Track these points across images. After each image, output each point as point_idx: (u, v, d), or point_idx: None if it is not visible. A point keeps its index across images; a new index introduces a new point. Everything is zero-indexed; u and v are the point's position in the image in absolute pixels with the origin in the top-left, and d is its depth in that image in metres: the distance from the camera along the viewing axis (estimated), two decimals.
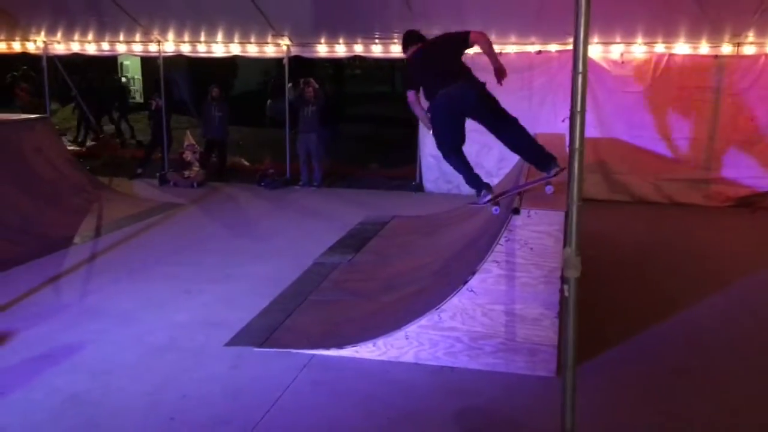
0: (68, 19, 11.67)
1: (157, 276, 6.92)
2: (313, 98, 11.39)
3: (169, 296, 6.31)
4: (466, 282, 4.74)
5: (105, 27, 11.66)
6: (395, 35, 10.75)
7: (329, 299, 6.19)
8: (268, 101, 17.42)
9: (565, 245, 3.18)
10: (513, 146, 5.55)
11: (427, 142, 11.00)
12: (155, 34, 11.73)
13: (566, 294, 3.14)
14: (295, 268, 7.02)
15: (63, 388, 4.54)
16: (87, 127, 15.33)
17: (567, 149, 3.23)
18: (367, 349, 4.95)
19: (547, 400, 4.19)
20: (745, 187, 9.92)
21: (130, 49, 12.36)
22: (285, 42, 11.39)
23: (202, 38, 11.67)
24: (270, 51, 11.68)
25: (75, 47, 12.25)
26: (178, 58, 12.32)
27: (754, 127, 9.80)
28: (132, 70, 25.11)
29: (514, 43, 10.38)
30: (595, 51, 9.99)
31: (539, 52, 10.37)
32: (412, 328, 4.88)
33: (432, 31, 10.31)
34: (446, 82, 5.24)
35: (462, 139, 5.35)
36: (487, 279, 4.70)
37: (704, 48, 9.80)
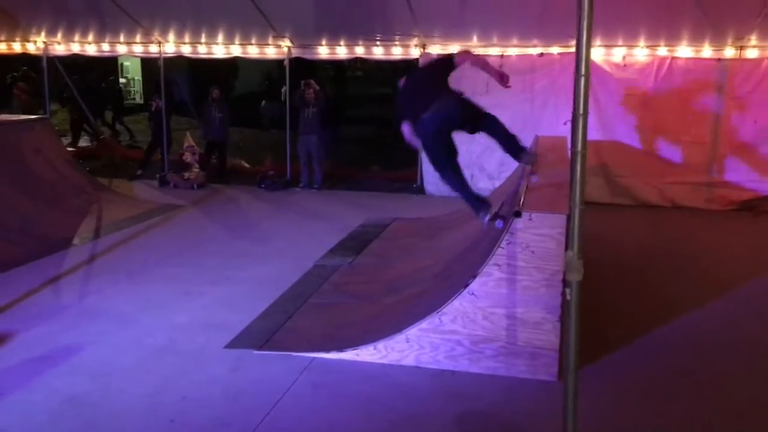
0: (69, 20, 11.65)
1: (157, 278, 6.90)
2: (314, 100, 11.37)
3: (169, 298, 6.28)
4: (467, 285, 4.72)
5: (105, 28, 11.64)
6: (396, 37, 10.75)
7: (330, 302, 6.16)
8: (263, 102, 17.48)
9: (567, 248, 3.15)
10: (491, 136, 5.61)
11: None
12: (156, 35, 11.71)
13: (568, 297, 3.11)
14: (295, 270, 7.00)
15: (62, 390, 4.52)
16: (85, 128, 15.31)
17: (569, 152, 3.20)
18: (368, 352, 4.93)
19: (549, 404, 4.17)
20: (747, 191, 9.89)
21: (130, 50, 12.34)
22: (286, 43, 11.37)
23: (203, 39, 11.65)
24: (271, 52, 11.66)
25: (75, 48, 12.23)
26: (179, 59, 12.29)
27: (757, 130, 9.78)
28: (132, 71, 25.13)
29: (516, 46, 10.37)
30: (598, 54, 9.97)
31: (541, 54, 10.35)
32: (412, 332, 4.85)
33: (433, 34, 10.46)
34: (430, 104, 5.35)
35: (455, 152, 5.51)
36: (488, 282, 4.67)
37: (707, 51, 9.78)
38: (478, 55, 5.61)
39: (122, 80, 24.87)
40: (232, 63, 17.72)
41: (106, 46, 12.14)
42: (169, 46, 11.85)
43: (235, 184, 11.96)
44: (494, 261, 4.63)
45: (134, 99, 24.72)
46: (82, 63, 14.34)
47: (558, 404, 3.28)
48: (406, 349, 4.87)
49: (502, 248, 4.60)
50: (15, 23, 11.80)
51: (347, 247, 7.86)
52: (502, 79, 5.66)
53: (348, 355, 4.95)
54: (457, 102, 5.44)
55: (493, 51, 10.45)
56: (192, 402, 4.39)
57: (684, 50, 9.83)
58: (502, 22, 9.90)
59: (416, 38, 10.66)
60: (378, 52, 11.12)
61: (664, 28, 9.53)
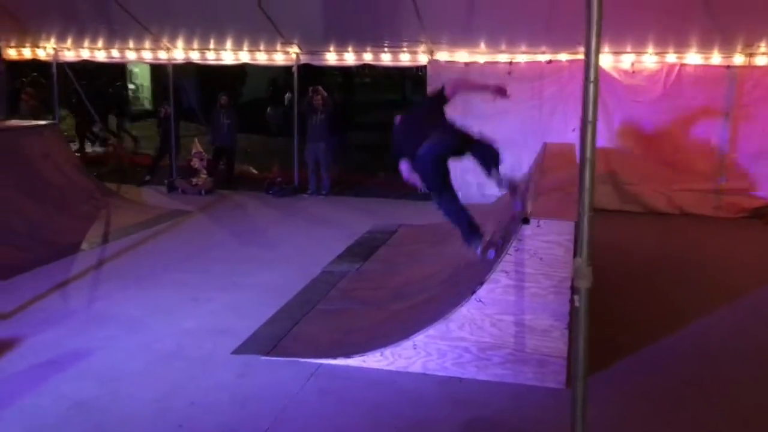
0: (78, 26, 11.73)
1: (165, 283, 6.91)
2: (322, 106, 11.39)
3: (177, 303, 6.30)
4: (474, 292, 4.71)
5: (115, 34, 11.71)
6: (404, 43, 10.76)
7: (337, 308, 6.16)
8: (268, 108, 17.53)
9: (575, 255, 3.14)
10: (478, 160, 5.69)
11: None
12: (165, 42, 11.77)
13: (577, 304, 3.10)
14: (303, 276, 7.01)
15: (70, 395, 4.53)
16: (88, 135, 15.37)
17: (578, 159, 3.19)
18: (375, 359, 4.92)
19: (557, 411, 4.14)
20: (757, 199, 9.84)
21: (139, 56, 12.39)
22: (294, 50, 11.41)
23: (212, 46, 11.70)
24: (279, 59, 11.71)
25: (85, 54, 12.31)
26: (188, 66, 12.35)
27: (766, 137, 9.73)
28: (141, 78, 25.23)
29: (524, 53, 10.36)
30: (606, 60, 9.95)
31: (549, 61, 10.33)
32: (420, 338, 4.84)
33: (441, 41, 10.47)
34: (426, 136, 5.47)
35: (448, 175, 5.65)
36: (495, 289, 4.66)
37: (716, 58, 9.74)
38: (467, 80, 5.67)
39: (131, 86, 24.97)
40: (240, 69, 17.79)
41: (115, 53, 12.21)
42: (178, 52, 11.91)
43: (243, 190, 11.99)
44: (502, 268, 4.62)
45: (143, 105, 24.82)
46: (90, 69, 14.39)
47: (566, 412, 3.26)
48: (413, 355, 4.86)
49: (510, 255, 4.59)
50: (25, 29, 11.89)
51: (354, 254, 7.86)
52: (500, 91, 5.75)
53: (355, 361, 4.95)
54: (453, 134, 5.59)
55: (502, 57, 10.46)
56: (200, 407, 4.40)
57: (693, 57, 9.80)
58: (510, 28, 9.90)
59: (424, 45, 10.68)
60: (386, 59, 11.14)
61: (673, 34, 9.51)
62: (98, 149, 15.45)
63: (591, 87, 2.94)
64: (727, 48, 9.59)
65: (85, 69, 13.29)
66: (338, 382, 4.73)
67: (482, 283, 4.68)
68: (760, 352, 5.39)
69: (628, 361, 5.14)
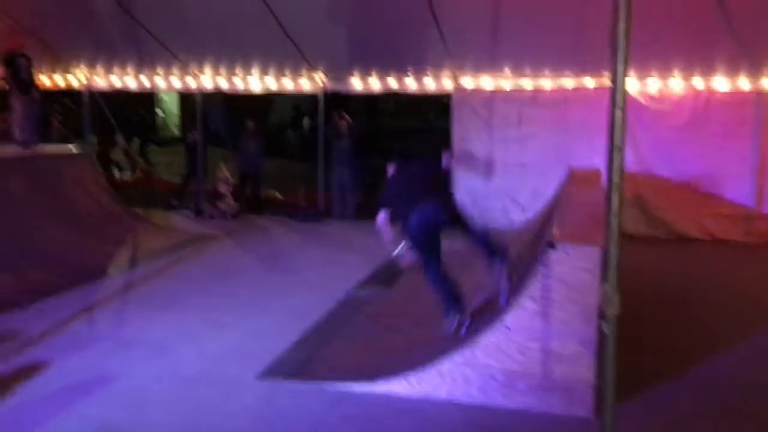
0: (109, 55, 12.02)
1: (191, 307, 6.95)
2: (347, 131, 11.47)
3: (202, 328, 6.32)
4: (500, 318, 4.66)
5: (144, 62, 11.96)
6: (429, 69, 10.84)
7: (361, 333, 6.13)
8: (288, 131, 17.73)
9: (603, 281, 3.10)
10: (477, 246, 5.70)
11: (461, 177, 10.98)
12: (193, 69, 11.97)
13: (605, 331, 3.05)
14: (327, 301, 7.00)
15: (96, 418, 4.54)
16: (112, 159, 15.62)
17: (605, 183, 3.17)
18: (400, 385, 4.87)
19: None
20: None
21: (169, 84, 12.62)
22: (320, 77, 11.53)
23: (239, 73, 11.88)
24: (305, 86, 11.84)
25: (115, 81, 12.57)
26: (216, 94, 12.55)
27: None
28: (170, 104, 25.70)
29: (548, 78, 10.37)
30: (632, 85, 9.92)
31: (575, 86, 10.32)
32: (445, 365, 4.79)
33: (465, 67, 10.53)
34: (421, 203, 5.47)
35: (439, 252, 5.57)
36: (522, 315, 4.61)
37: (744, 82, 9.67)
38: (465, 158, 5.69)
39: (160, 113, 25.44)
40: (267, 95, 18.03)
41: (145, 80, 12.45)
42: (206, 79, 12.10)
43: (268, 214, 12.07)
44: (528, 293, 4.57)
45: (172, 132, 25.24)
46: (118, 96, 14.66)
47: None
48: (438, 382, 4.81)
49: (537, 281, 4.54)
50: (58, 57, 12.18)
51: (379, 278, 7.85)
52: (489, 168, 5.74)
53: (379, 387, 4.90)
54: (445, 208, 5.54)
55: (526, 83, 10.48)
56: None
57: (720, 82, 9.73)
58: (535, 54, 9.95)
59: (449, 71, 10.74)
60: (411, 85, 11.21)
61: (699, 59, 9.47)
62: (127, 174, 15.68)
63: (618, 113, 2.93)
64: (755, 72, 9.51)
65: (113, 96, 13.53)
66: (362, 408, 4.68)
67: (508, 309, 4.63)
68: None
69: (660, 390, 5.03)
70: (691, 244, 9.80)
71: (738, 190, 9.85)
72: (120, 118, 14.31)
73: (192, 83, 12.22)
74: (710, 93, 9.83)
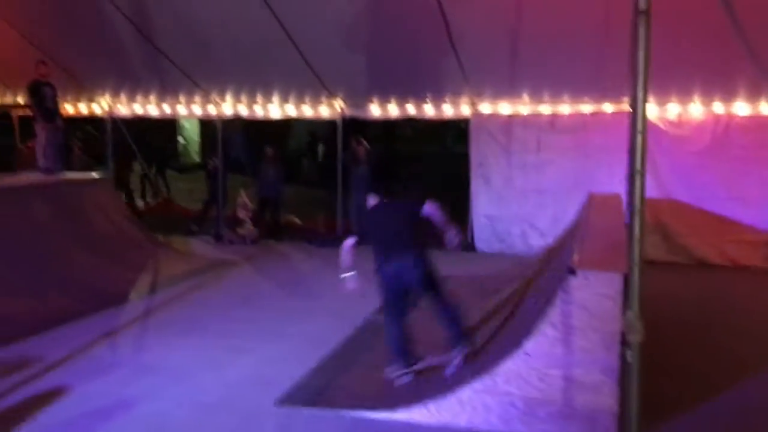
0: (132, 83, 12.23)
1: (210, 333, 6.97)
2: (365, 157, 11.53)
3: (222, 353, 6.32)
4: (521, 345, 4.62)
5: (167, 90, 12.15)
6: (447, 96, 10.90)
7: (380, 360, 6.09)
8: (304, 161, 17.82)
9: (625, 308, 3.07)
10: (440, 319, 5.62)
11: (480, 203, 10.98)
12: (214, 97, 12.14)
13: (629, 359, 3.02)
14: (346, 326, 6.99)
15: None
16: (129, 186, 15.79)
17: (625, 209, 3.16)
18: (419, 413, 4.84)
19: None
20: None
21: (190, 111, 12.80)
22: (339, 104, 11.63)
23: (259, 100, 12.02)
24: (324, 113, 11.93)
25: (138, 109, 12.77)
26: (235, 119, 12.71)
27: None
28: (190, 131, 26.00)
29: (567, 103, 10.38)
30: (651, 111, 9.88)
31: (593, 112, 10.31)
32: (465, 392, 4.75)
33: (484, 93, 10.57)
34: (392, 254, 5.46)
35: (405, 311, 5.58)
36: (542, 342, 4.56)
37: (764, 107, 9.60)
38: (441, 214, 5.59)
39: (181, 140, 25.74)
40: (285, 122, 18.22)
41: (167, 108, 12.63)
42: (227, 107, 12.25)
43: (287, 240, 12.11)
44: (549, 320, 4.53)
45: (192, 158, 25.50)
46: (138, 123, 14.86)
47: None
48: (458, 410, 4.77)
49: (557, 307, 4.50)
50: (82, 85, 12.42)
51: None
52: (452, 236, 5.65)
53: (399, 415, 4.87)
54: (416, 266, 5.43)
55: (544, 109, 10.49)
56: None
57: (741, 106, 9.68)
58: (554, 79, 9.97)
59: (467, 97, 10.79)
60: (429, 111, 11.26)
61: (720, 84, 9.44)
62: (150, 200, 15.83)
63: (639, 137, 2.93)
64: None
65: (134, 123, 13.72)
66: None
67: (529, 336, 4.59)
68: None
69: (685, 418, 4.93)
70: (713, 269, 9.68)
71: (759, 215, 9.73)
72: (140, 145, 14.51)
73: (213, 110, 12.37)
74: (730, 117, 9.77)
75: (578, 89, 10.07)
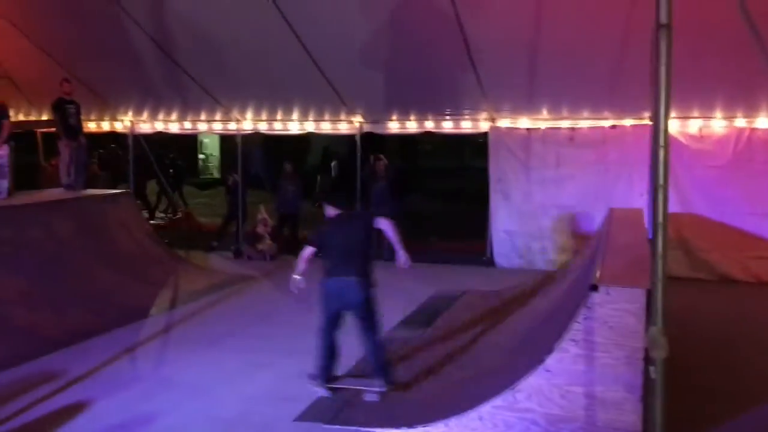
0: (154, 101, 12.38)
1: (230, 348, 6.98)
2: (384, 173, 11.56)
3: (241, 369, 6.33)
4: (542, 361, 4.57)
5: (188, 107, 12.29)
6: (466, 111, 10.91)
7: (399, 376, 6.07)
8: (318, 177, 17.86)
9: (649, 324, 3.03)
10: (366, 349, 5.79)
11: (499, 217, 10.94)
12: (235, 113, 12.25)
13: (653, 375, 2.98)
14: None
15: None
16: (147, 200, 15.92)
17: (647, 224, 3.13)
18: (438, 430, 4.79)
19: None
20: None
21: (210, 127, 12.94)
22: (358, 119, 11.68)
23: (279, 116, 12.11)
24: (343, 128, 11.98)
25: (159, 126, 12.91)
26: (254, 136, 12.80)
27: None
28: (210, 148, 26.24)
29: (586, 118, 10.33)
30: (673, 125, 9.81)
31: (613, 126, 10.26)
32: (485, 409, 4.70)
33: (503, 108, 10.57)
34: (343, 269, 5.59)
35: (338, 327, 5.74)
36: (564, 358, 4.51)
37: None
38: (394, 229, 5.82)
39: (201, 156, 25.97)
40: (304, 138, 18.33)
41: (188, 124, 12.77)
42: (247, 123, 12.35)
43: None
44: (571, 336, 4.48)
45: (212, 174, 25.72)
46: (157, 140, 15.00)
47: None
48: (478, 427, 4.71)
49: (579, 323, 4.46)
50: (105, 103, 12.59)
51: (416, 320, 7.79)
52: (404, 258, 5.88)
53: (418, 431, 4.83)
54: (361, 287, 5.58)
55: (563, 123, 10.46)
56: None
57: (763, 121, 9.57)
58: (573, 93, 9.93)
59: (486, 112, 10.79)
60: (447, 126, 11.27)
61: (742, 99, 9.35)
62: (168, 216, 15.95)
63: (661, 152, 2.91)
64: None
65: (154, 140, 13.85)
66: None
67: (551, 352, 4.54)
68: None
69: None
70: (736, 285, 9.53)
71: None
72: (160, 162, 14.66)
73: (233, 126, 12.48)
74: (752, 131, 9.66)
75: (597, 103, 10.03)
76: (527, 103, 10.36)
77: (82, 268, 8.55)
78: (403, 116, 11.40)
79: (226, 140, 21.53)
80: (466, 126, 11.15)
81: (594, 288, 4.42)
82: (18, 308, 7.26)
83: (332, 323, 5.72)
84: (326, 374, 5.72)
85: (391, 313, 8.01)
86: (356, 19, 9.39)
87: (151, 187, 15.89)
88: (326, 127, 12.11)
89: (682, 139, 9.91)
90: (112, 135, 13.79)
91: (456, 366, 6.09)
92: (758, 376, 6.05)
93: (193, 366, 6.45)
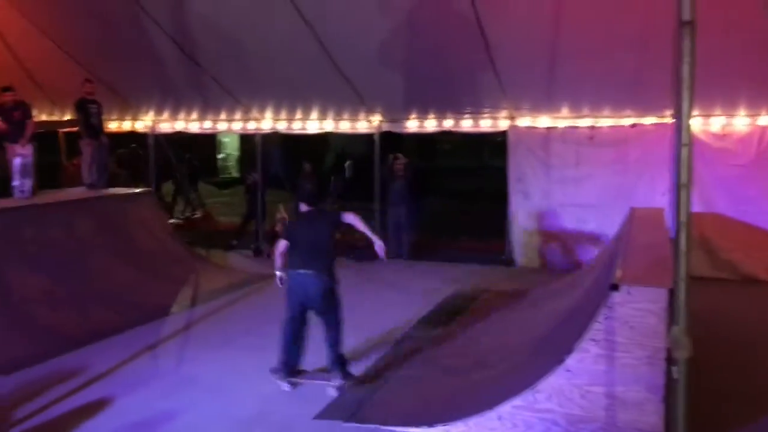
0: (175, 100, 12.47)
1: (249, 346, 7.01)
2: (403, 172, 11.55)
3: (260, 367, 6.33)
4: (562, 360, 4.54)
5: (208, 107, 12.36)
6: (485, 110, 10.86)
7: (418, 375, 6.07)
8: (332, 177, 17.87)
9: (671, 324, 2.99)
10: (325, 339, 5.92)
11: (518, 216, 10.89)
12: (254, 113, 12.30)
13: (675, 376, 2.95)
14: (384, 341, 6.97)
15: None
16: (183, 200, 16.00)
17: (669, 223, 3.09)
18: (458, 429, 4.77)
19: None
20: None
21: (230, 127, 13.00)
22: (377, 118, 11.68)
23: (298, 116, 12.14)
24: (362, 127, 11.97)
25: (179, 126, 12.99)
26: (273, 135, 12.84)
27: None
28: (230, 147, 26.40)
29: (608, 117, 10.24)
30: (695, 124, 9.68)
31: (634, 125, 10.15)
32: (505, 408, 4.68)
33: (522, 107, 10.51)
34: (305, 262, 5.74)
35: (302, 321, 5.91)
36: (584, 358, 4.48)
37: None
38: (359, 220, 6.09)
39: (220, 155, 26.12)
40: (323, 137, 18.36)
41: (207, 124, 12.84)
42: (266, 122, 12.39)
43: None
44: (591, 336, 4.44)
45: (231, 173, 25.87)
46: (177, 139, 15.10)
47: None
48: (498, 427, 4.69)
49: (599, 323, 4.42)
50: (127, 103, 12.70)
51: (436, 319, 7.78)
52: (380, 245, 6.12)
53: (437, 431, 4.82)
54: (323, 285, 5.76)
55: (584, 122, 10.37)
56: None
57: None
58: (593, 92, 9.85)
59: (505, 111, 10.74)
60: (466, 125, 11.22)
61: (765, 96, 9.22)
62: (186, 214, 16.05)
63: (684, 150, 2.87)
64: None
65: (174, 139, 13.92)
66: None
67: (571, 352, 4.51)
68: None
69: None
70: (760, 286, 9.40)
71: None
72: (179, 160, 14.75)
73: (252, 126, 12.53)
74: None
75: (618, 101, 9.93)
76: (547, 102, 10.30)
77: (104, 266, 8.62)
78: (422, 115, 11.37)
79: (245, 140, 21.63)
80: (486, 125, 11.08)
81: (615, 287, 4.38)
82: (41, 307, 7.34)
83: (295, 317, 5.86)
84: (287, 368, 5.84)
85: (410, 312, 8.00)
86: (375, 18, 9.38)
87: (167, 188, 15.97)
88: (345, 127, 12.11)
89: (704, 137, 9.78)
90: (132, 135, 13.89)
91: (475, 365, 6.06)
92: None
93: (212, 364, 6.48)
